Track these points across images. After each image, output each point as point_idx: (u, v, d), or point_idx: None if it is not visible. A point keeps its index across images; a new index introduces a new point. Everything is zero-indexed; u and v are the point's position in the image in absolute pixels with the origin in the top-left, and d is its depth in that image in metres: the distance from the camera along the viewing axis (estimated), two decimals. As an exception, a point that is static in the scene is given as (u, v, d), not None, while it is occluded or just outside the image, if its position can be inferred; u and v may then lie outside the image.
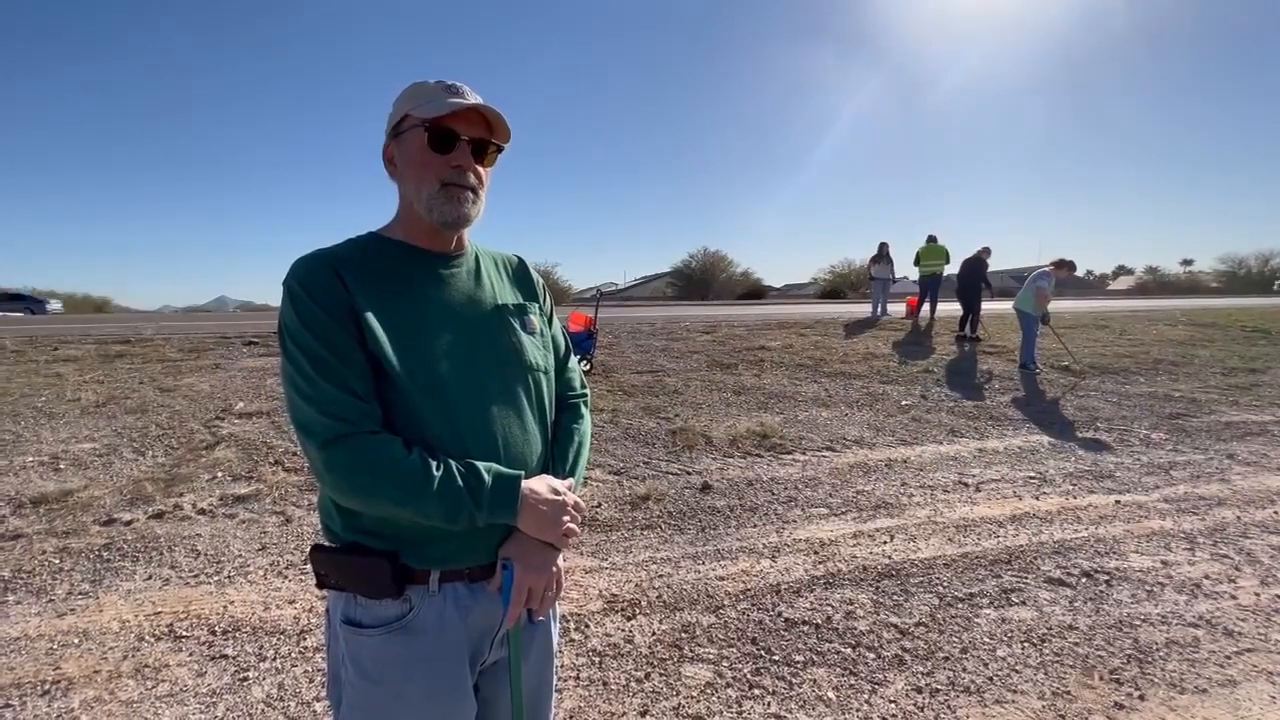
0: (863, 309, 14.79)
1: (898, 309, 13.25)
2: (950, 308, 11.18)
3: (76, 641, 2.60)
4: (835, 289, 41.30)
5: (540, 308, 1.21)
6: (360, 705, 1.00)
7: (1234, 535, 3.69)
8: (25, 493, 4.04)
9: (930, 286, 11.82)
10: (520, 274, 1.22)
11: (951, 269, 11.52)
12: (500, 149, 1.09)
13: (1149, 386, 7.53)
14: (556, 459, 1.13)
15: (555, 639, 1.21)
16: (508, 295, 1.15)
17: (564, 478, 1.10)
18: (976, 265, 10.58)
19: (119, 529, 3.65)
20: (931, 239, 12.04)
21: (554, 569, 1.05)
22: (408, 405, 0.98)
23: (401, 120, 1.05)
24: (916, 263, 12.10)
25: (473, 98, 1.04)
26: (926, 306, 11.82)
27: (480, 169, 1.06)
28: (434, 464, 0.94)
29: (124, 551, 3.39)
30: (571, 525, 1.03)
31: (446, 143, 1.02)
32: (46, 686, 2.31)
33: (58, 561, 3.27)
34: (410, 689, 0.99)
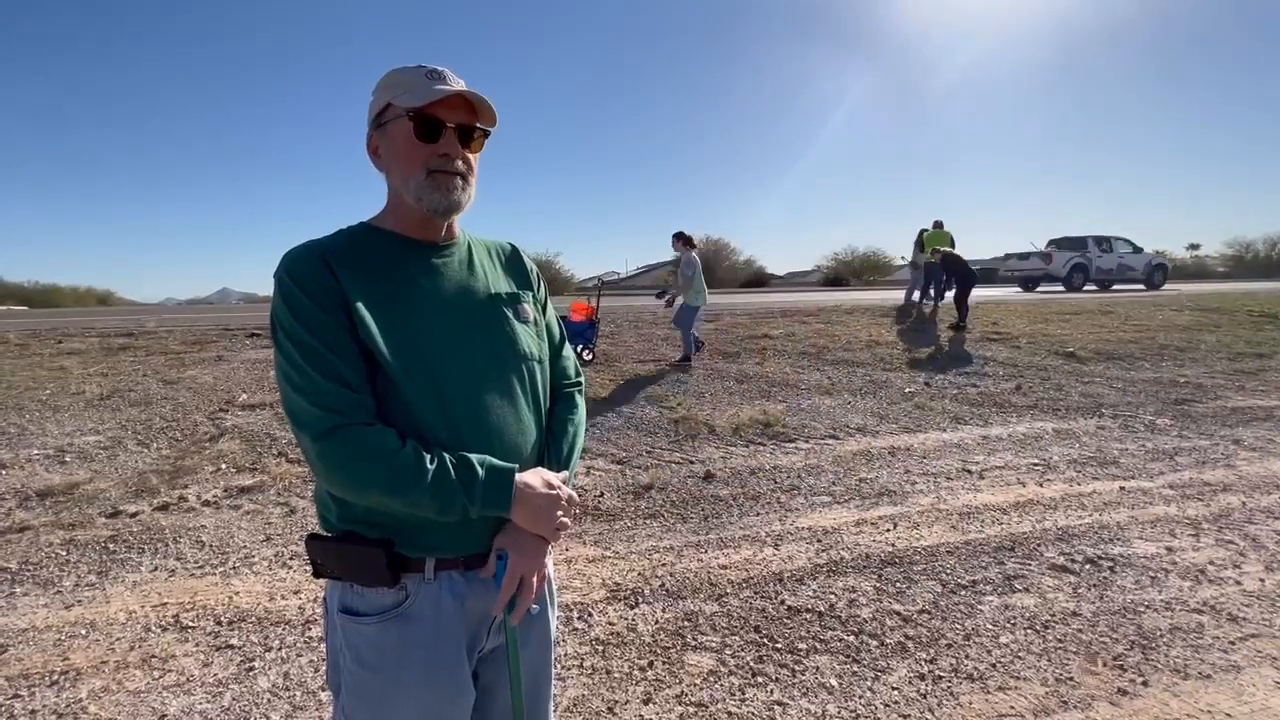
0: (868, 297, 14.72)
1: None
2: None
3: (84, 632, 2.62)
4: (839, 276, 41.13)
5: (534, 296, 1.19)
6: (359, 692, 1.01)
7: (1239, 521, 3.67)
8: (31, 485, 4.06)
9: (935, 273, 11.77)
10: (514, 262, 1.21)
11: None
12: (487, 133, 1.08)
13: (1154, 372, 7.48)
14: (551, 450, 1.13)
15: (554, 627, 1.21)
16: (501, 284, 1.14)
17: (558, 470, 1.09)
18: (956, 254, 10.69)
19: (124, 521, 3.67)
20: (938, 224, 11.99)
21: (544, 560, 1.05)
22: (400, 396, 0.98)
23: (384, 110, 1.03)
24: (921, 248, 12.06)
25: (456, 83, 1.02)
26: (929, 293, 11.78)
27: (468, 155, 1.05)
28: (427, 457, 0.94)
29: (130, 543, 3.41)
30: (565, 519, 1.03)
31: (432, 131, 1.00)
32: (55, 677, 2.33)
33: (64, 553, 3.29)
34: (408, 676, 0.99)
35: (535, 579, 1.03)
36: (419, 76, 1.01)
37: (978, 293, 11.58)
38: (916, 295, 12.54)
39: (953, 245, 11.76)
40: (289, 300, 0.96)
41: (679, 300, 8.02)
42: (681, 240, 7.93)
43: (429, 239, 1.08)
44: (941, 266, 10.74)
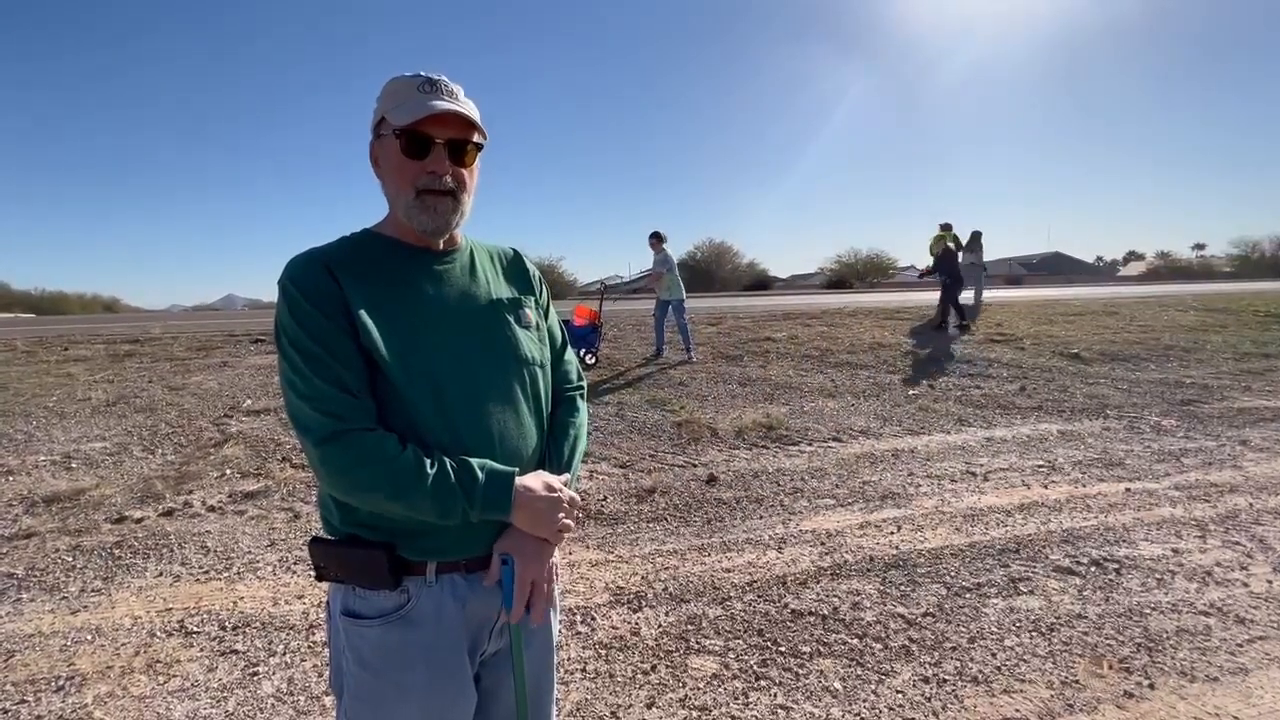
0: (869, 299, 14.70)
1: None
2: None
3: (89, 638, 2.63)
4: (842, 279, 41.11)
5: (536, 301, 1.20)
6: (361, 695, 1.01)
7: (1246, 522, 3.64)
8: (38, 491, 4.09)
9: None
10: (516, 267, 1.22)
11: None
12: (479, 147, 1.07)
13: (1160, 373, 7.45)
14: (552, 453, 1.13)
15: (556, 630, 1.21)
16: (503, 289, 1.15)
17: (560, 473, 1.10)
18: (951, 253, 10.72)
19: (130, 526, 3.69)
20: (945, 227, 12.02)
21: (550, 563, 1.06)
22: (403, 401, 0.99)
23: (380, 122, 1.04)
24: (930, 251, 12.11)
25: (448, 98, 1.02)
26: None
27: (461, 170, 1.04)
28: (428, 461, 0.95)
29: (135, 549, 3.43)
30: (567, 521, 1.04)
31: (421, 148, 1.01)
32: (61, 682, 2.34)
33: (70, 559, 3.31)
34: (409, 679, 0.99)
35: (545, 580, 1.04)
36: (412, 89, 1.01)
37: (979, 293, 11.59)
38: (970, 295, 12.42)
39: (958, 246, 11.77)
40: (292, 307, 0.97)
41: (658, 296, 8.47)
42: (657, 239, 8.51)
43: (430, 246, 1.09)
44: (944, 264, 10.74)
